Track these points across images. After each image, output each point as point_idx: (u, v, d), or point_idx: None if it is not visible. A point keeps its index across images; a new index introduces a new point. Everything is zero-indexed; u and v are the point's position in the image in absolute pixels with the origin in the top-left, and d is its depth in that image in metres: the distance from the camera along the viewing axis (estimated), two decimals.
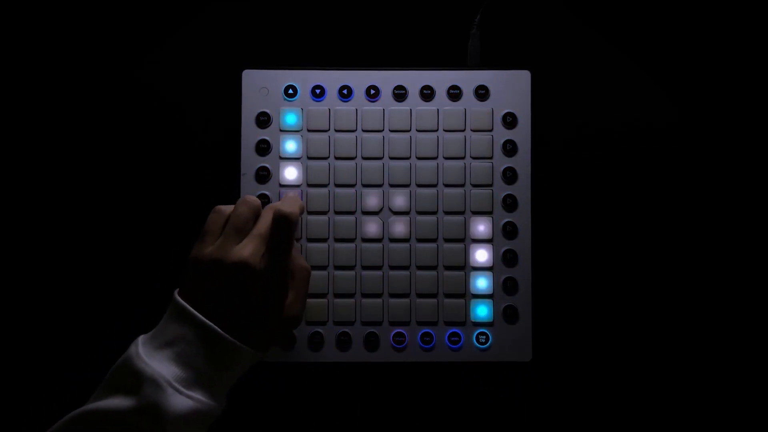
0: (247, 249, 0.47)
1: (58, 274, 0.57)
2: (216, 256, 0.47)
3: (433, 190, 0.55)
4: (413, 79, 0.56)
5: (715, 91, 0.58)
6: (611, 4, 0.58)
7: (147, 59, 0.58)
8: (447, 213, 0.55)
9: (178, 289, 0.48)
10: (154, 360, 0.44)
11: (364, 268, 0.55)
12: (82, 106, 0.58)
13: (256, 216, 0.49)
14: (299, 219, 0.49)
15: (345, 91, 0.56)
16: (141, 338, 0.46)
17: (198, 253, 0.48)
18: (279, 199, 0.55)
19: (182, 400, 0.43)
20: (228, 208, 0.50)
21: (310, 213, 0.55)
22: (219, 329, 0.46)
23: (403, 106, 0.56)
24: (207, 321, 0.46)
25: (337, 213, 0.55)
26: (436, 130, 0.56)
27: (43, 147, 0.57)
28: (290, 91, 0.56)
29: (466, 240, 0.55)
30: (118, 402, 0.43)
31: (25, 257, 0.57)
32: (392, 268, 0.55)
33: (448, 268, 0.55)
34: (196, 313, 0.46)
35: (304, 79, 0.56)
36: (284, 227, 0.48)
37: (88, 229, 0.57)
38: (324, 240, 0.55)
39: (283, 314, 0.49)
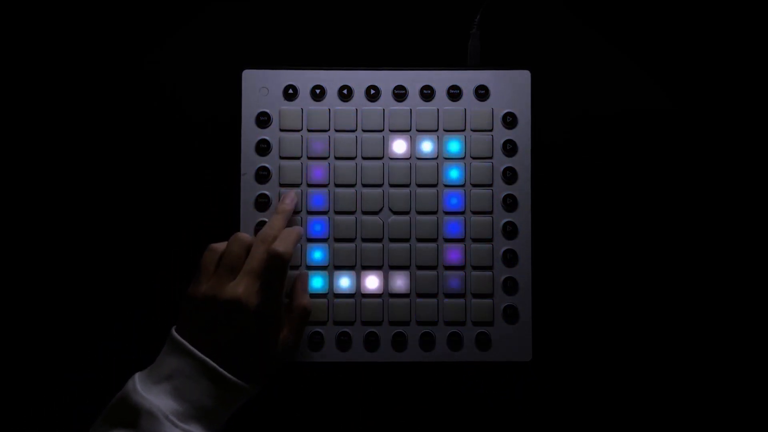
0: (240, 287, 0.48)
1: (56, 273, 0.56)
2: (210, 293, 0.49)
3: (433, 190, 0.55)
4: (413, 79, 0.56)
5: (718, 92, 0.58)
6: (611, 4, 0.58)
7: (147, 59, 0.58)
8: (447, 213, 0.55)
9: (175, 326, 0.49)
10: (151, 394, 0.45)
11: (364, 268, 0.55)
12: (81, 105, 0.57)
13: (248, 251, 0.51)
14: (291, 257, 0.51)
15: (345, 91, 0.55)
16: (138, 374, 0.47)
17: (193, 291, 0.50)
18: (279, 200, 0.55)
19: None
20: (221, 246, 0.51)
21: (309, 213, 0.55)
22: (215, 364, 0.47)
23: (403, 106, 0.55)
24: (203, 356, 0.47)
25: (337, 213, 0.55)
26: (437, 130, 0.55)
27: (42, 148, 0.57)
28: (290, 91, 0.55)
29: (466, 240, 0.55)
30: None
31: (24, 256, 0.56)
32: (392, 268, 0.54)
33: (448, 267, 0.55)
34: (192, 348, 0.47)
35: (304, 79, 0.56)
36: (277, 266, 0.49)
37: (88, 229, 0.57)
38: (324, 240, 0.55)
39: (278, 347, 0.50)
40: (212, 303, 0.48)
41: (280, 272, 0.49)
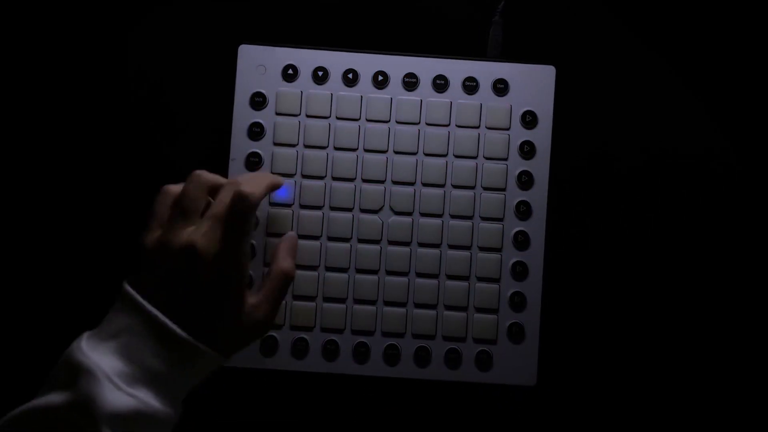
0: (196, 232, 0.44)
1: (36, 266, 0.54)
2: (162, 240, 0.44)
3: (439, 191, 0.52)
4: (426, 67, 0.53)
5: (756, 89, 0.55)
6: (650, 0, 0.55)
7: (134, 30, 0.55)
8: (453, 217, 0.52)
9: (126, 279, 0.45)
10: (96, 352, 0.41)
11: (359, 271, 0.52)
12: (65, 81, 0.55)
13: (211, 194, 0.46)
14: (260, 201, 0.46)
15: (350, 76, 0.53)
16: (87, 333, 0.43)
17: (145, 239, 0.45)
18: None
19: (122, 397, 0.40)
20: (177, 188, 0.46)
21: (302, 207, 0.52)
22: (167, 320, 0.42)
23: (413, 96, 0.53)
24: (155, 310, 0.42)
25: (332, 209, 0.52)
26: (448, 125, 0.53)
27: (26, 132, 0.55)
28: (290, 72, 0.53)
29: (472, 248, 0.52)
30: (53, 398, 0.40)
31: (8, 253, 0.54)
32: (389, 273, 0.52)
33: (450, 277, 0.52)
34: (143, 301, 0.43)
35: (306, 59, 0.53)
36: (241, 209, 0.44)
37: (65, 220, 0.55)
38: (316, 238, 0.52)
39: (246, 316, 0.45)
40: (166, 251, 0.44)
41: (246, 217, 0.44)
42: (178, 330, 0.42)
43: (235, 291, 0.45)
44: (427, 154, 0.52)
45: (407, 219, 0.52)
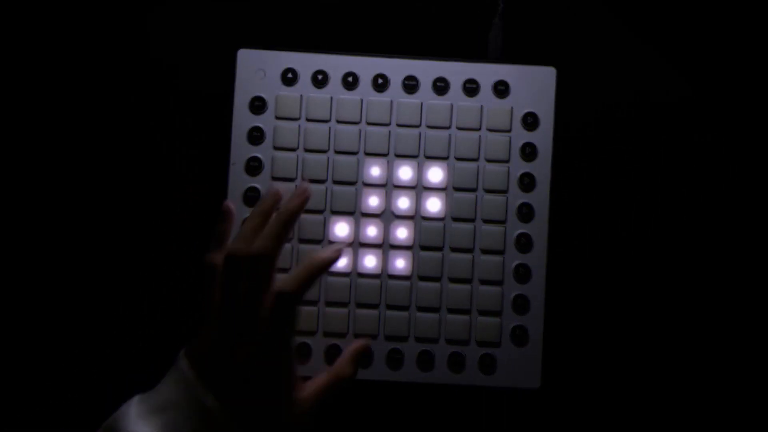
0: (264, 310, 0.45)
1: (37, 267, 0.54)
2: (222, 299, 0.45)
3: (441, 194, 0.52)
4: (426, 69, 0.53)
5: (755, 92, 0.55)
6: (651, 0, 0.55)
7: (133, 35, 0.55)
8: (455, 220, 0.52)
9: (185, 348, 0.45)
10: (141, 424, 0.42)
11: (361, 276, 0.51)
12: (61, 86, 0.55)
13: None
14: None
15: (350, 79, 0.53)
16: (138, 397, 0.44)
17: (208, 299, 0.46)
18: (266, 193, 0.51)
19: None
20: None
21: (304, 212, 0.51)
22: (215, 403, 0.43)
23: (413, 99, 0.53)
24: (203, 391, 0.43)
25: (333, 213, 0.52)
26: (449, 128, 0.52)
27: (25, 136, 0.55)
28: (289, 76, 0.53)
29: (474, 250, 0.52)
30: None
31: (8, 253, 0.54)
32: (391, 277, 0.51)
33: (453, 280, 0.51)
34: (193, 378, 0.43)
35: (306, 63, 0.53)
36: (285, 308, 0.45)
37: (63, 222, 0.54)
38: (318, 242, 0.52)
39: (293, 405, 0.45)
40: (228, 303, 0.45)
41: (289, 315, 0.45)
42: (222, 416, 0.43)
43: (286, 377, 0.45)
44: (428, 157, 0.52)
45: (409, 222, 0.52)
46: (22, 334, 0.54)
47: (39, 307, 0.54)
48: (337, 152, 0.52)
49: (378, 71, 0.53)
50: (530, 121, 0.52)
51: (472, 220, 0.52)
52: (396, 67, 0.53)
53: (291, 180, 0.52)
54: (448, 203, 0.52)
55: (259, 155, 0.52)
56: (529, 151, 0.52)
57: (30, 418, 0.53)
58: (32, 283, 0.54)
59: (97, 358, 0.54)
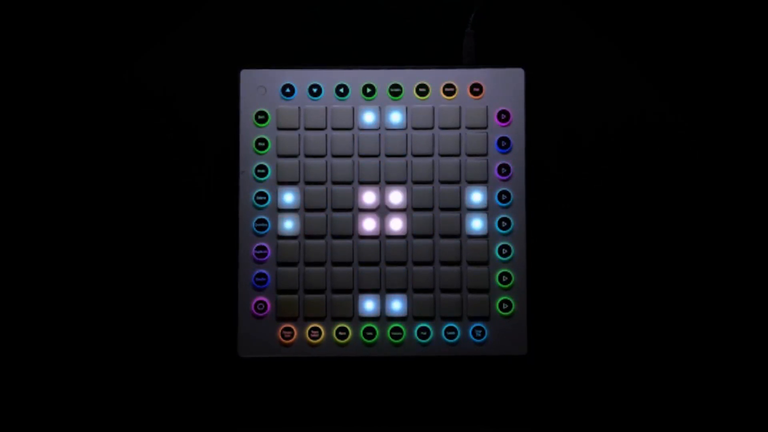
0: None
1: (46, 274, 0.56)
2: None
3: (429, 187, 0.56)
4: (409, 77, 0.56)
5: (713, 89, 0.58)
6: (607, 1, 0.58)
7: (144, 58, 0.58)
8: (443, 209, 0.55)
9: None
10: None
11: (362, 264, 0.55)
12: (77, 106, 0.57)
13: None
14: None
15: (342, 90, 0.56)
16: None
17: None
18: (276, 198, 0.55)
19: None
20: None
21: (307, 211, 0.55)
22: None
23: (399, 104, 0.56)
24: None
25: (334, 210, 0.55)
26: (432, 128, 0.56)
27: (38, 148, 0.57)
28: (287, 90, 0.56)
29: (461, 236, 0.55)
30: None
31: (9, 258, 0.56)
32: (389, 263, 0.55)
33: (444, 263, 0.55)
34: None
35: (302, 77, 0.56)
36: None
37: (82, 230, 0.56)
38: (322, 237, 0.55)
39: None
40: None
41: None
42: None
43: None
44: (415, 155, 0.56)
45: (402, 214, 0.55)
46: (22, 334, 0.55)
47: (48, 309, 0.55)
48: (334, 156, 0.56)
49: (366, 81, 0.56)
50: (504, 117, 0.56)
51: (457, 209, 0.55)
52: (382, 77, 0.56)
53: (294, 183, 0.55)
54: (436, 195, 0.55)
55: (265, 163, 0.56)
56: (504, 144, 0.55)
57: (30, 418, 0.55)
58: (38, 286, 0.55)
59: (97, 358, 0.55)
